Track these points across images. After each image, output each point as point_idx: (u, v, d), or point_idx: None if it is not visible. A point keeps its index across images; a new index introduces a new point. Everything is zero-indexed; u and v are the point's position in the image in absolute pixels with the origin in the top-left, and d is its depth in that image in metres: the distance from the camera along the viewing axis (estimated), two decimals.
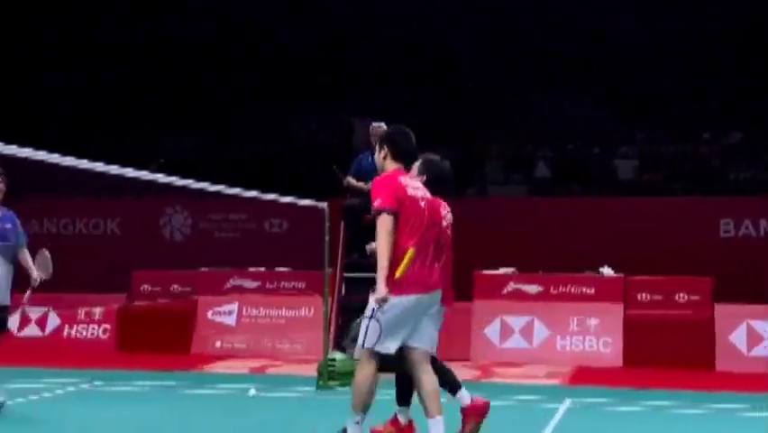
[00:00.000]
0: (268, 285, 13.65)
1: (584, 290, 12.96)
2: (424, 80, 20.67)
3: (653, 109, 19.69)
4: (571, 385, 10.90)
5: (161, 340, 13.22)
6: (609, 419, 8.81)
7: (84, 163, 7.43)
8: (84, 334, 13.78)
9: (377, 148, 6.68)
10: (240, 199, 12.43)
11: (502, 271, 13.27)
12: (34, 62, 20.80)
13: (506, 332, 12.85)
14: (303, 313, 13.22)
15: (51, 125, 18.94)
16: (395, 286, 6.11)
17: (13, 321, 13.95)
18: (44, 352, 13.13)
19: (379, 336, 6.13)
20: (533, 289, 13.02)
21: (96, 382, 10.28)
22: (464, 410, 7.02)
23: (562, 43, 19.81)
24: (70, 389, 10.04)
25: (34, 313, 14.00)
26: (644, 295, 13.00)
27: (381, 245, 6.13)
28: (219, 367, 12.06)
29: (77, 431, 7.77)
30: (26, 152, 6.10)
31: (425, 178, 6.97)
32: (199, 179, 8.74)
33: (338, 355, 10.24)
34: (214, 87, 20.68)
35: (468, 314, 12.86)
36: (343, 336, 8.01)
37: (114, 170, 7.82)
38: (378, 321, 6.13)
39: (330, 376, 9.96)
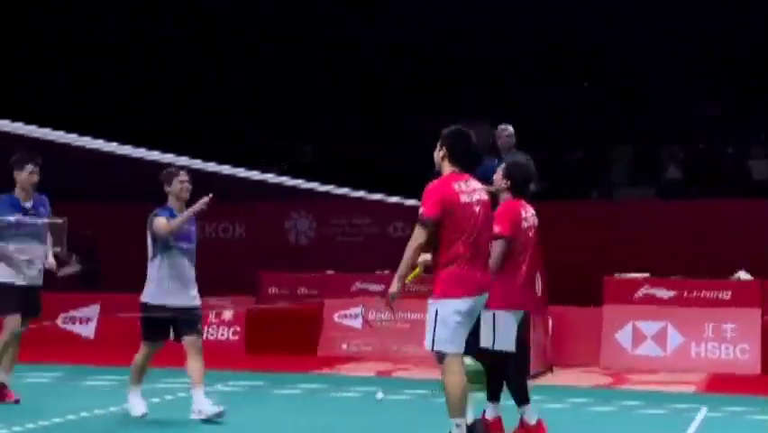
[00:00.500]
0: None
1: (719, 294, 12.52)
2: (546, 79, 20.35)
3: None
4: (707, 393, 10.54)
5: (289, 342, 13.36)
6: (749, 428, 8.47)
7: (211, 166, 7.58)
8: (214, 336, 14.02)
9: (437, 147, 6.66)
10: (363, 203, 12.49)
11: (634, 275, 12.94)
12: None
13: (638, 338, 12.52)
14: (426, 318, 13.13)
15: (177, 128, 19.47)
16: (449, 286, 6.22)
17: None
18: (177, 353, 13.39)
19: (444, 338, 6.24)
20: (666, 293, 12.65)
21: (230, 383, 10.43)
22: (489, 423, 7.19)
23: (692, 43, 19.29)
24: (206, 389, 10.20)
25: None
26: None
27: (408, 252, 6.28)
28: (346, 370, 12.10)
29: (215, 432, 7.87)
30: (168, 158, 6.24)
31: (509, 182, 7.16)
32: (323, 183, 8.83)
33: (467, 359, 10.11)
34: (326, 89, 20.81)
35: (598, 319, 12.61)
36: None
37: (242, 173, 7.95)
38: (440, 324, 6.23)
39: None
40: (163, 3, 21.32)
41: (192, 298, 8.25)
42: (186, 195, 8.24)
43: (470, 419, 6.65)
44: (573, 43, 20.10)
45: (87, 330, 14.58)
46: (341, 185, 9.96)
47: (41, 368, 11.46)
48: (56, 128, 5.63)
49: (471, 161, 6.66)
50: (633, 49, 19.83)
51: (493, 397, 7.34)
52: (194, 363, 8.18)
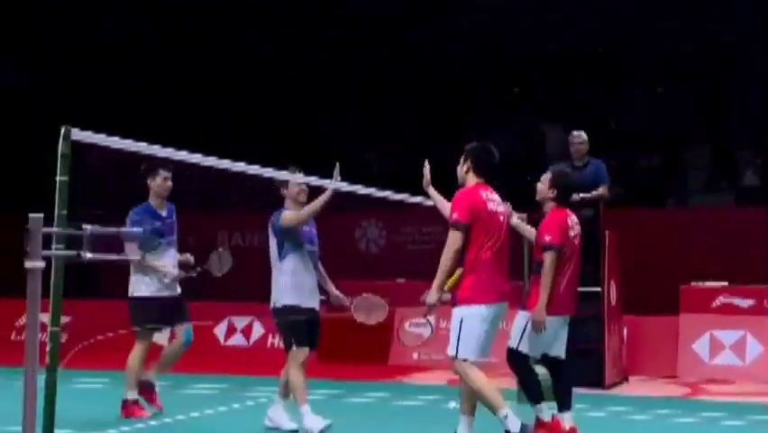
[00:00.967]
0: None
1: None
2: (618, 84, 20.08)
3: None
4: None
5: (360, 351, 13.34)
6: None
7: (284, 175, 7.57)
8: None
9: (461, 160, 6.88)
10: (432, 211, 12.44)
11: (711, 284, 12.67)
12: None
13: (715, 347, 12.24)
14: (502, 325, 12.99)
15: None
16: (475, 293, 6.38)
17: (220, 330, 14.49)
18: (249, 361, 13.52)
19: (469, 345, 6.38)
20: (744, 302, 12.36)
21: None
22: (538, 423, 7.25)
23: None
24: (275, 397, 10.24)
25: (240, 323, 14.46)
26: None
27: (445, 258, 6.46)
28: (417, 378, 12.05)
29: None
30: (240, 167, 6.27)
31: (555, 191, 7.35)
32: (394, 192, 8.77)
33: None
34: (387, 97, 20.80)
35: (674, 328, 12.37)
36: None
37: (315, 181, 7.93)
38: (465, 330, 6.32)
39: None
40: (163, 2, 21.47)
41: (318, 304, 7.91)
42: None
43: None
44: (646, 44, 19.78)
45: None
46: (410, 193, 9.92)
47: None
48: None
49: (494, 174, 6.87)
50: (708, 53, 19.46)
51: (563, 404, 7.46)
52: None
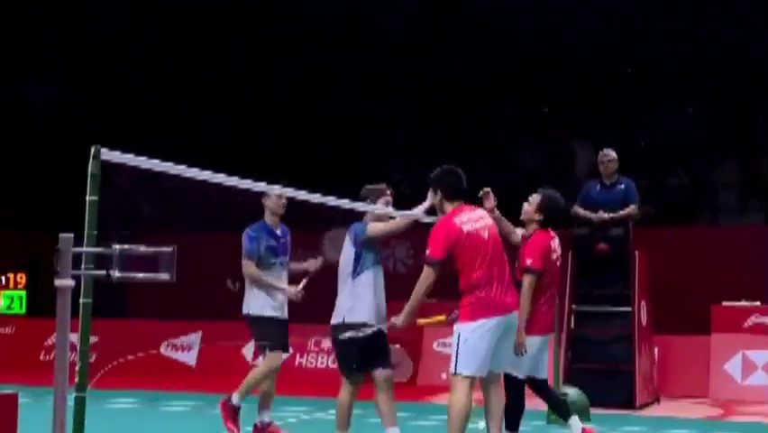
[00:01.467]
0: None
1: None
2: (647, 101, 19.98)
3: None
4: None
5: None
6: None
7: (317, 197, 7.48)
8: (313, 363, 14.05)
9: (430, 192, 6.85)
10: None
11: (743, 303, 12.54)
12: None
13: (748, 368, 12.10)
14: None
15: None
16: (474, 310, 6.38)
17: (248, 350, 14.48)
18: (277, 381, 13.47)
19: (466, 361, 6.35)
20: None
21: (330, 412, 10.39)
22: None
23: None
24: (305, 417, 10.22)
25: None
26: None
27: (417, 291, 6.60)
28: (445, 399, 11.94)
29: None
30: (277, 189, 6.24)
31: (541, 215, 7.36)
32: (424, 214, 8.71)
33: (570, 390, 9.93)
34: (415, 116, 20.78)
35: (706, 348, 12.24)
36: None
37: (347, 204, 7.78)
38: (463, 346, 6.36)
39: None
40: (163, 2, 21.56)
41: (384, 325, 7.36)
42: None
43: None
44: (674, 61, 19.68)
45: (189, 357, 14.78)
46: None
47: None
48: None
49: (464, 191, 6.81)
50: (738, 70, 19.33)
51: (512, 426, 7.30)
52: (388, 402, 7.39)
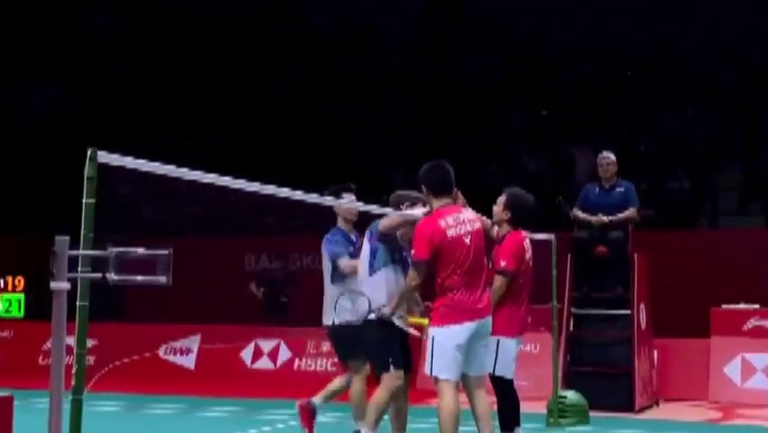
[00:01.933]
0: None
1: None
2: (647, 105, 19.97)
3: None
4: None
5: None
6: None
7: (329, 200, 7.44)
8: (313, 367, 14.03)
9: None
10: None
11: (742, 306, 12.51)
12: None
13: (747, 371, 12.07)
14: (529, 349, 12.91)
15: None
16: (444, 315, 6.41)
17: (247, 353, 14.47)
18: (276, 384, 13.48)
19: (439, 364, 6.39)
20: None
21: (330, 414, 10.38)
22: None
23: None
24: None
25: (267, 346, 14.44)
26: None
27: (404, 291, 6.75)
28: None
29: None
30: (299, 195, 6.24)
31: (509, 213, 7.36)
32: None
33: (569, 393, 9.92)
34: (415, 120, 20.78)
35: (705, 351, 12.22)
36: None
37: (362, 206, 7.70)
38: (436, 350, 6.39)
39: (561, 414, 9.67)
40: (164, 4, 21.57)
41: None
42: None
43: None
44: (675, 66, 19.69)
45: (188, 361, 14.76)
46: None
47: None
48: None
49: (450, 187, 6.70)
50: (739, 73, 19.34)
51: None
52: (405, 404, 7.30)
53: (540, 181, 19.59)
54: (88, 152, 4.92)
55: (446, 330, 6.42)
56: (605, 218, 11.00)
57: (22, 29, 21.11)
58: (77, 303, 4.99)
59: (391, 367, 7.04)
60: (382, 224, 7.16)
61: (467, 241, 6.51)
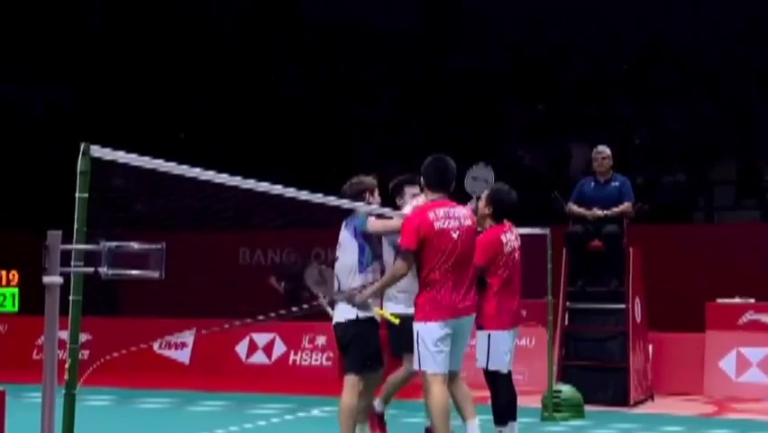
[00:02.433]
0: None
1: None
2: (644, 100, 19.97)
3: None
4: None
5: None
6: None
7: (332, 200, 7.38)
8: (308, 361, 14.03)
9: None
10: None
11: (737, 300, 12.52)
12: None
13: (742, 365, 12.08)
14: (524, 343, 12.92)
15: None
16: (426, 311, 6.45)
17: (242, 348, 14.47)
18: (271, 378, 13.49)
19: (425, 359, 6.44)
20: None
21: (325, 409, 10.39)
22: None
23: None
24: (301, 414, 10.22)
25: (262, 340, 14.44)
26: None
27: (386, 279, 6.73)
28: None
29: None
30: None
31: (491, 208, 7.45)
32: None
33: (564, 387, 9.92)
34: (414, 115, 20.77)
35: (700, 345, 12.23)
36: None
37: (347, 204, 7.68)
38: (421, 345, 6.44)
39: (555, 408, 9.67)
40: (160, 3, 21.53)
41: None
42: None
43: None
44: (671, 60, 19.68)
45: (182, 355, 14.74)
46: None
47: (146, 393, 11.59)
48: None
49: (449, 184, 6.77)
50: (735, 69, 19.34)
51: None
52: (371, 399, 7.34)
53: (536, 175, 19.62)
54: (81, 147, 4.91)
55: (428, 326, 6.45)
56: (600, 212, 10.99)
57: (16, 27, 21.07)
58: (71, 298, 4.98)
59: (364, 371, 7.05)
60: (374, 226, 7.14)
61: (454, 235, 6.51)
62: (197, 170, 5.63)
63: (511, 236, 7.52)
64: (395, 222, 7.13)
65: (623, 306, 11.01)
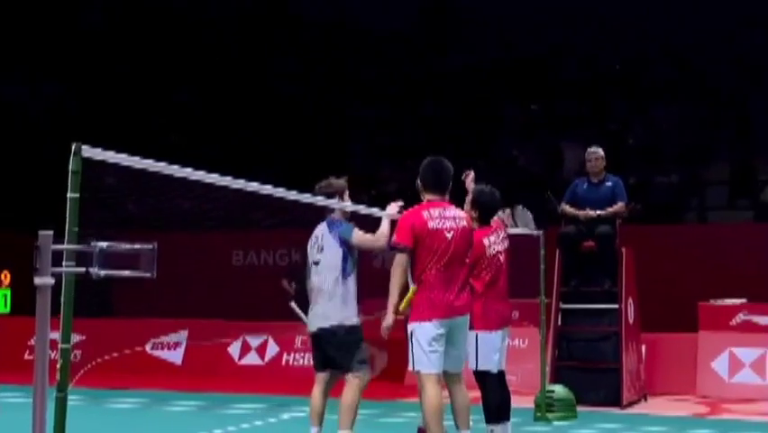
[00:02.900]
0: None
1: None
2: (636, 100, 19.99)
3: None
4: None
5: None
6: None
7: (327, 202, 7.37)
8: (301, 362, 14.01)
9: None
10: None
11: (730, 301, 12.54)
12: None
13: (735, 365, 12.09)
14: (517, 344, 12.92)
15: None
16: (420, 310, 6.47)
17: (235, 349, 14.44)
18: (265, 379, 13.47)
19: (419, 359, 6.46)
20: (764, 320, 12.21)
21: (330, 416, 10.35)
22: None
23: None
24: (286, 417, 10.20)
25: (255, 342, 14.42)
26: None
27: (392, 280, 6.68)
28: None
29: None
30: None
31: (476, 211, 7.50)
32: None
33: (557, 388, 9.93)
34: (406, 114, 20.77)
35: (693, 346, 12.24)
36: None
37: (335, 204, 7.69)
38: (415, 345, 6.46)
39: (548, 409, 9.67)
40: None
41: None
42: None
43: None
44: (664, 60, 19.71)
45: (175, 356, 14.71)
46: None
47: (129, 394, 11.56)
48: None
49: (445, 186, 6.83)
50: (728, 69, 19.36)
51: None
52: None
53: (529, 176, 19.63)
54: (73, 147, 4.90)
55: (423, 326, 6.47)
56: (593, 213, 11.00)
57: (8, 25, 21.02)
58: (62, 298, 4.96)
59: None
60: (360, 240, 7.17)
61: (448, 235, 6.56)
62: (188, 169, 5.62)
63: (496, 239, 7.55)
64: (383, 239, 7.08)
65: (616, 306, 11.02)
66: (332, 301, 7.19)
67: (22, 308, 14.21)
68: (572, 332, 11.36)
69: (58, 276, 4.50)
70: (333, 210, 7.36)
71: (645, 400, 11.39)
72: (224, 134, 21.03)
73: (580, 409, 9.90)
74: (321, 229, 7.38)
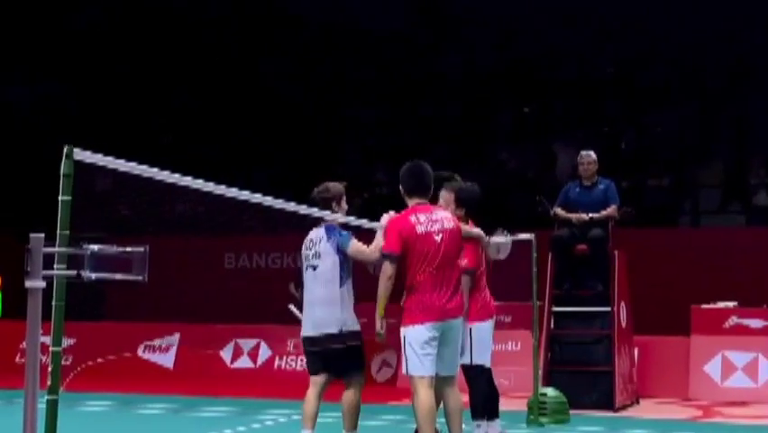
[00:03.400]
0: None
1: None
2: (629, 103, 20.02)
3: None
4: None
5: (369, 373, 13.22)
6: None
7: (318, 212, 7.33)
8: (293, 365, 13.99)
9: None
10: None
11: (722, 304, 12.54)
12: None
13: (727, 369, 12.10)
14: (510, 347, 12.93)
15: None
16: (412, 314, 6.47)
17: (227, 353, 14.41)
18: (257, 383, 13.43)
19: (412, 362, 6.46)
20: (756, 323, 12.23)
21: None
22: None
23: None
24: (281, 420, 10.17)
25: (247, 345, 14.38)
26: None
27: (380, 288, 6.57)
28: None
29: None
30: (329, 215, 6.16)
31: (463, 209, 7.56)
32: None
33: (549, 391, 9.92)
34: (399, 117, 20.77)
35: (685, 350, 12.25)
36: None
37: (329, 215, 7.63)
38: (408, 348, 6.46)
39: (541, 412, 9.66)
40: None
41: None
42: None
43: None
44: (657, 64, 19.73)
45: (166, 360, 14.67)
46: None
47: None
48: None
49: (427, 190, 6.83)
50: (721, 74, 19.40)
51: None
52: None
53: (521, 179, 19.64)
54: (65, 150, 4.88)
55: (416, 329, 6.46)
56: (585, 216, 11.00)
57: (7, 26, 20.97)
58: (54, 302, 4.94)
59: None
60: (357, 252, 7.14)
61: (437, 238, 6.56)
62: (177, 175, 5.59)
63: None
64: (376, 255, 7.02)
65: (608, 309, 11.02)
66: (331, 307, 7.20)
67: (14, 311, 14.17)
68: (565, 335, 11.36)
69: (49, 279, 4.49)
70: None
71: (638, 403, 11.40)
72: (222, 134, 21.02)
73: (572, 412, 9.90)
74: (318, 234, 7.36)
